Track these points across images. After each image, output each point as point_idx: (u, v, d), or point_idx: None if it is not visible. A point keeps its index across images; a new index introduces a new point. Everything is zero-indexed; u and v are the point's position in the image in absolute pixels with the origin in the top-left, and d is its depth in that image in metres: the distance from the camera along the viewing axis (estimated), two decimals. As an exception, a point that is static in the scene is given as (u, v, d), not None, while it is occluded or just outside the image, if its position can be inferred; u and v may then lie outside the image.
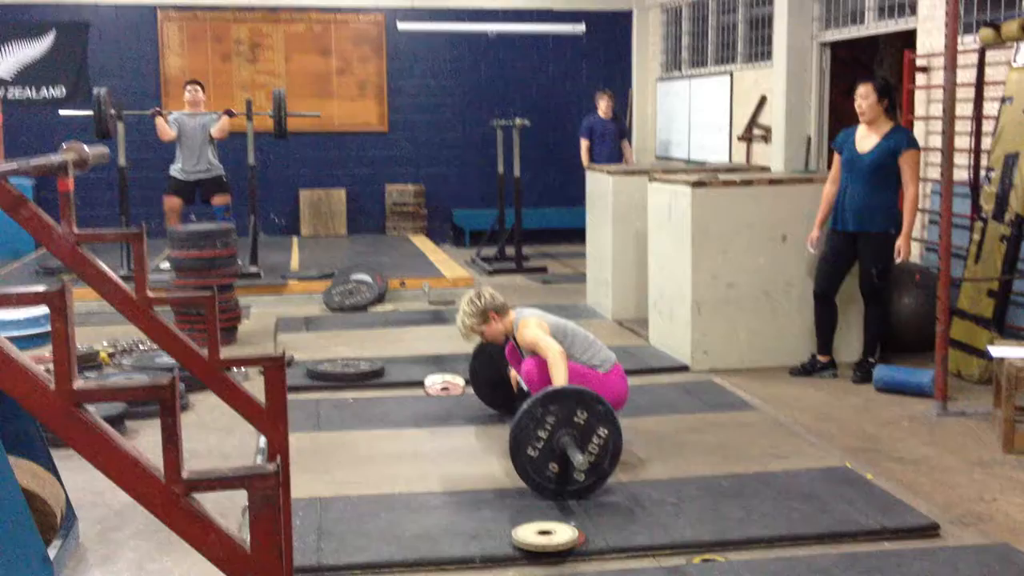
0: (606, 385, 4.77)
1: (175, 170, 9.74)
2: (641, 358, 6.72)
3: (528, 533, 3.74)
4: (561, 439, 4.19)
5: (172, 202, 9.71)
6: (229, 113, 9.75)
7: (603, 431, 4.23)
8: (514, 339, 5.00)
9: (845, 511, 4.06)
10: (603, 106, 11.44)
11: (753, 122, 10.29)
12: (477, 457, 4.83)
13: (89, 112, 9.33)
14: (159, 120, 9.72)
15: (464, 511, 4.10)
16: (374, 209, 13.35)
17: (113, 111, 9.23)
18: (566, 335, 4.88)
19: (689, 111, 11.78)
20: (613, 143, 11.42)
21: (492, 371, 5.46)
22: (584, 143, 11.43)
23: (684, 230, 6.51)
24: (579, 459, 4.10)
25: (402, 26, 12.81)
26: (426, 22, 12.95)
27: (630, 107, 13.33)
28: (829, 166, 6.82)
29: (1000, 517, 4.15)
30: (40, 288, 1.99)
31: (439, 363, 6.51)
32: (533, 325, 4.81)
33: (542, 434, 4.18)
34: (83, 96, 12.05)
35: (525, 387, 5.04)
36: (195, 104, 9.82)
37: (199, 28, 12.69)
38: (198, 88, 9.92)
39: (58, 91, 12.37)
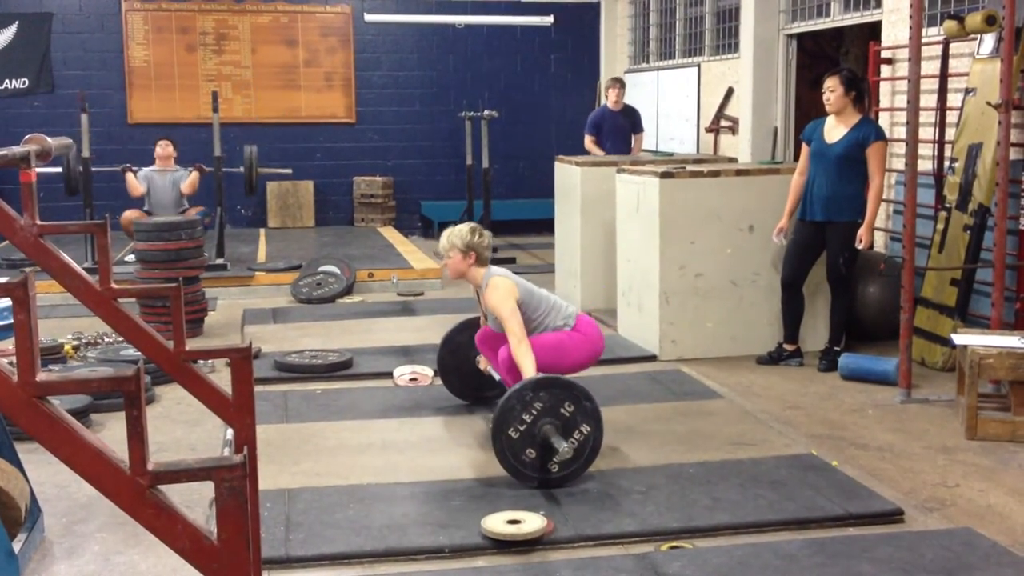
0: (582, 343, 4.82)
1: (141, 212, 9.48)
2: (610, 348, 6.70)
3: (497, 522, 3.75)
4: (544, 427, 4.19)
5: (131, 215, 9.31)
6: (200, 170, 9.60)
7: (586, 428, 4.25)
8: (478, 294, 4.97)
9: (811, 497, 4.10)
10: (613, 96, 9.97)
11: (720, 113, 10.33)
12: (446, 447, 4.84)
13: (59, 169, 9.28)
14: (129, 176, 9.58)
15: (433, 501, 4.11)
16: (342, 201, 13.30)
17: (81, 168, 9.21)
18: (532, 296, 4.84)
19: (657, 102, 11.80)
20: (624, 138, 10.01)
21: (460, 361, 5.46)
22: (588, 139, 10.01)
23: (652, 221, 6.53)
24: (563, 447, 4.10)
25: (369, 17, 12.75)
26: (393, 14, 12.89)
27: (598, 99, 13.35)
28: (796, 157, 6.87)
29: (963, 502, 4.21)
30: (1, 280, 1.97)
31: (408, 354, 6.50)
32: (503, 293, 4.71)
33: (527, 418, 4.18)
34: (45, 88, 11.93)
35: (496, 375, 5.05)
36: (165, 159, 9.66)
37: (164, 19, 12.58)
38: (168, 144, 9.75)
39: (21, 83, 12.22)
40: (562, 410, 4.24)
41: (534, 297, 4.85)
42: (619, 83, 10.08)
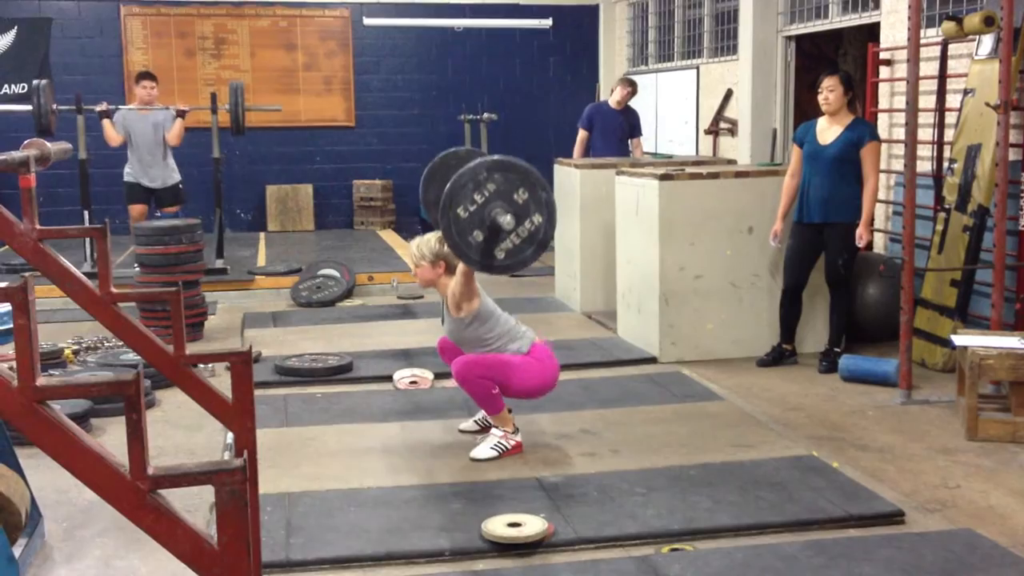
0: (532, 367, 4.72)
1: (128, 175, 9.18)
2: (609, 350, 6.74)
3: (497, 525, 3.75)
4: (494, 210, 4.14)
5: (136, 210, 9.16)
6: (180, 114, 9.07)
7: (537, 218, 4.18)
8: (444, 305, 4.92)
9: (812, 499, 4.10)
10: (617, 95, 9.44)
11: (719, 115, 10.34)
12: (446, 451, 4.83)
13: (28, 107, 8.74)
14: (106, 124, 9.00)
15: (433, 504, 4.10)
16: (342, 204, 13.30)
17: (55, 106, 8.59)
18: (493, 314, 4.80)
19: (656, 104, 11.81)
20: (619, 139, 9.51)
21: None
22: (581, 134, 9.51)
23: (652, 223, 6.53)
24: (507, 219, 4.07)
25: (368, 21, 12.76)
26: (392, 17, 12.90)
27: (596, 100, 13.35)
28: (792, 159, 6.86)
29: (963, 503, 4.21)
30: (1, 284, 1.97)
31: (408, 357, 6.50)
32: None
33: (478, 198, 4.11)
34: (45, 92, 11.88)
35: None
36: (149, 102, 9.12)
37: (163, 23, 12.58)
38: (155, 86, 9.18)
39: (20, 88, 12.21)
40: (515, 196, 4.14)
41: (494, 315, 4.80)
42: (628, 84, 9.52)
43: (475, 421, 5.08)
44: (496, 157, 4.25)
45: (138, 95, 9.20)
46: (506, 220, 4.07)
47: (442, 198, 4.17)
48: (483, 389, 4.66)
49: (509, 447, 4.73)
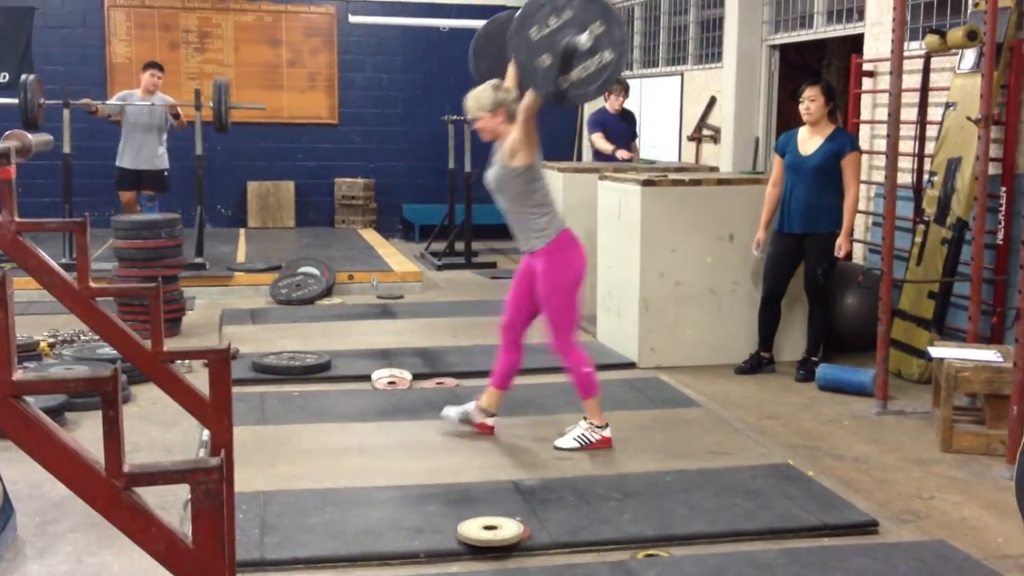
0: (576, 264, 4.78)
1: (120, 159, 9.48)
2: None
3: (473, 528, 3.74)
4: (567, 37, 4.07)
5: (126, 196, 9.50)
6: (175, 115, 9.41)
7: (608, 55, 4.12)
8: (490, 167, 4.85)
9: (787, 507, 4.11)
10: (613, 101, 9.33)
11: (703, 122, 10.37)
12: (423, 452, 4.82)
13: (14, 100, 8.85)
14: (97, 108, 9.30)
15: (409, 506, 4.10)
16: (323, 202, 13.26)
17: (42, 100, 8.75)
18: (543, 173, 4.78)
19: (640, 111, 11.83)
20: (626, 142, 9.34)
21: (497, 44, 5.13)
22: (597, 136, 9.26)
23: (633, 228, 6.54)
24: (583, 39, 4.00)
25: (354, 19, 12.73)
26: (378, 15, 12.87)
27: (581, 106, 13.36)
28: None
29: (937, 515, 4.23)
30: (-21, 277, 1.95)
31: (386, 357, 6.49)
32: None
33: (553, 22, 4.06)
34: (26, 82, 11.79)
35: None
36: (153, 91, 9.40)
37: (147, 15, 12.52)
38: (161, 77, 9.46)
39: (1, 77, 12.12)
40: (591, 28, 4.07)
41: (543, 180, 4.75)
42: (622, 88, 9.41)
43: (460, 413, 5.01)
44: None
45: (144, 82, 9.42)
46: (582, 40, 3.97)
47: (515, 18, 4.06)
48: (577, 360, 4.67)
49: (593, 440, 4.73)
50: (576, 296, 4.77)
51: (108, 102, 9.49)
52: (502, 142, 4.72)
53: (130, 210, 9.38)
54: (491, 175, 4.82)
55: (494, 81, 4.77)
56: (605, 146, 9.18)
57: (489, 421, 4.89)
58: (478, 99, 4.72)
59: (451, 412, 4.83)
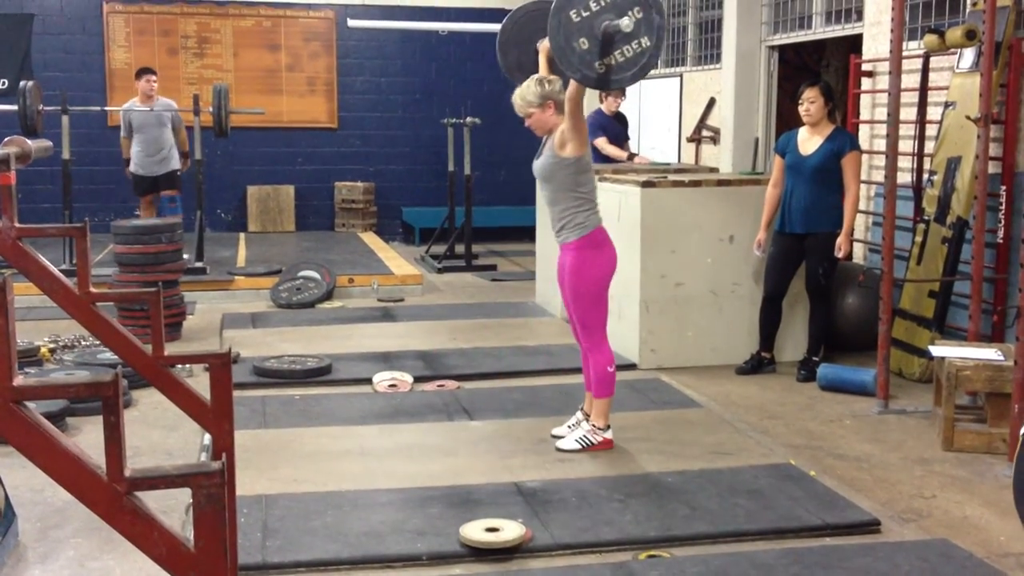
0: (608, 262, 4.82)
1: (134, 167, 9.64)
2: (589, 357, 6.74)
3: (475, 530, 3.74)
4: (605, 21, 4.09)
5: (146, 200, 9.72)
6: (183, 154, 9.76)
7: (646, 41, 4.14)
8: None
9: (789, 507, 4.11)
10: (611, 102, 9.16)
11: (702, 123, 10.37)
12: (424, 454, 4.82)
13: (13, 107, 8.94)
14: (123, 143, 9.71)
15: (411, 508, 4.09)
16: (323, 206, 13.27)
17: (41, 107, 8.87)
18: (592, 166, 4.78)
19: (639, 112, 11.84)
20: (620, 146, 9.15)
21: (526, 34, 5.15)
22: (602, 141, 8.92)
23: (633, 230, 6.54)
24: (625, 21, 4.03)
25: (352, 23, 12.73)
26: (377, 19, 12.86)
27: (580, 107, 13.37)
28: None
29: (939, 514, 4.23)
30: (-21, 283, 1.95)
31: (387, 360, 6.49)
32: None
33: (593, 6, 4.07)
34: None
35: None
36: (149, 98, 9.59)
37: (146, 21, 12.53)
38: (155, 79, 9.67)
39: (0, 84, 12.13)
40: (629, 14, 4.10)
41: (591, 173, 4.76)
42: (619, 90, 9.00)
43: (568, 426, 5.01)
44: None
45: (140, 88, 9.62)
46: (624, 23, 3.99)
47: (555, 1, 4.08)
48: (604, 358, 4.74)
49: (595, 442, 4.74)
50: (605, 293, 4.80)
51: (122, 134, 9.77)
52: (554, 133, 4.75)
53: (150, 214, 9.52)
54: (539, 164, 4.85)
55: (536, 76, 4.80)
56: (617, 152, 9.02)
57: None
58: (524, 96, 4.74)
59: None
